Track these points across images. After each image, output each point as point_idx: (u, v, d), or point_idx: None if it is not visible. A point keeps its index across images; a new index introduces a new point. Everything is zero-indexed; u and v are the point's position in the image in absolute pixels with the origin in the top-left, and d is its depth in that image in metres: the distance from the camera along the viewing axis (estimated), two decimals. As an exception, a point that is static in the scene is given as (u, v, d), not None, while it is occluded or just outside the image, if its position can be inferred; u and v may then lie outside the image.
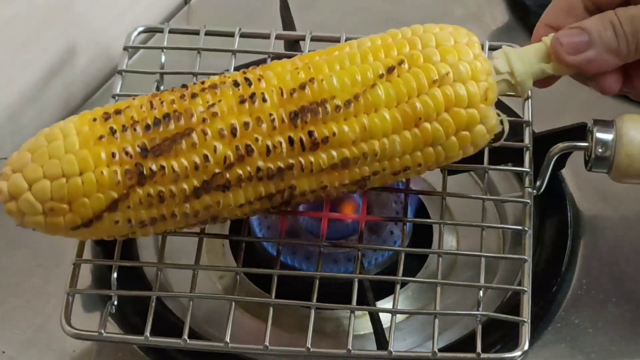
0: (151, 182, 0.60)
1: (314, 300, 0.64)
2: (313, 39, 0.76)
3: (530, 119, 0.71)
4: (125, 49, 0.76)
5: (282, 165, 0.60)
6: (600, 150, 0.66)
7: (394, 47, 0.62)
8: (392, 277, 0.65)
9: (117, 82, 0.74)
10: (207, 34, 0.76)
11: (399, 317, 0.71)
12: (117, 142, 0.60)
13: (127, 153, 0.59)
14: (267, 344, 0.63)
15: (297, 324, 0.71)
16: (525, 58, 0.64)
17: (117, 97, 0.73)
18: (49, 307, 0.71)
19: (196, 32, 0.76)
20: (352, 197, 0.73)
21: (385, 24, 0.75)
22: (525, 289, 0.64)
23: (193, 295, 0.65)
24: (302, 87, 0.61)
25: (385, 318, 0.67)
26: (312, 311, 0.64)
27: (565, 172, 0.75)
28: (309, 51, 0.72)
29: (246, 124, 0.60)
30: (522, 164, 0.69)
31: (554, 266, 0.71)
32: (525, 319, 0.63)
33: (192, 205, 0.61)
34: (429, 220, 0.71)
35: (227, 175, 0.60)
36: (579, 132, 0.68)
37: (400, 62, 0.61)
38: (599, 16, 0.63)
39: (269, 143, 0.60)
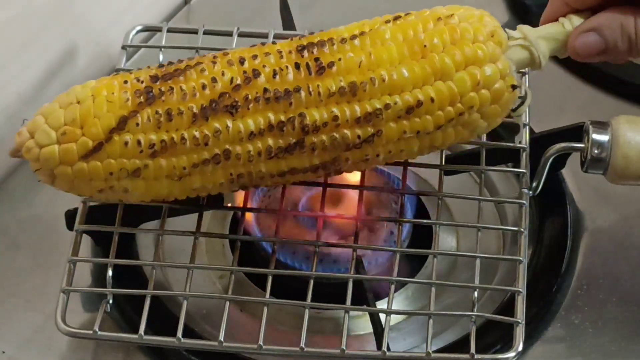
0: (159, 100, 0.61)
1: (309, 300, 0.64)
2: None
3: (527, 120, 0.71)
4: (124, 47, 0.76)
5: (289, 87, 0.61)
6: (596, 151, 0.66)
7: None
8: (386, 278, 0.65)
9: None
10: (206, 33, 0.76)
11: (399, 318, 0.71)
12: (131, 75, 0.62)
13: (138, 80, 0.62)
14: (261, 343, 0.63)
15: (296, 324, 0.71)
16: (540, 30, 0.65)
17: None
18: (49, 307, 0.70)
19: (194, 32, 0.77)
20: (349, 197, 0.73)
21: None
22: (520, 290, 0.64)
23: (187, 295, 0.65)
24: (311, 33, 0.65)
25: (385, 318, 0.67)
26: (307, 311, 0.64)
27: (565, 172, 0.75)
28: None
29: (254, 56, 0.62)
30: (520, 165, 0.69)
31: (554, 266, 0.71)
32: (519, 320, 0.63)
33: (200, 130, 0.61)
34: (424, 221, 0.71)
35: (234, 96, 0.61)
36: (577, 132, 0.68)
37: (407, 14, 0.64)
38: (618, 22, 0.63)
39: (276, 68, 0.61)
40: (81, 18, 0.83)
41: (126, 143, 0.60)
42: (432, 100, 0.62)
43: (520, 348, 0.62)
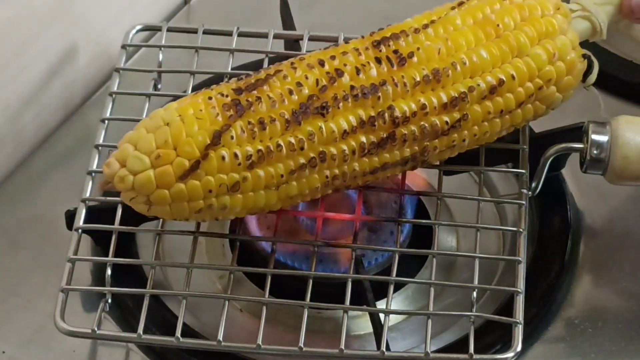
0: (249, 111, 0.61)
1: (308, 299, 0.64)
2: (311, 39, 0.76)
3: None
4: (123, 47, 0.76)
5: (374, 82, 0.62)
6: (595, 152, 0.66)
7: None
8: (385, 277, 0.65)
9: (114, 80, 0.74)
10: (205, 32, 0.76)
11: (399, 317, 0.71)
12: (212, 91, 0.62)
13: (222, 94, 0.61)
14: (260, 342, 0.63)
15: (296, 323, 0.71)
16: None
17: (114, 95, 0.73)
18: (49, 307, 0.70)
19: (194, 31, 0.77)
20: (349, 197, 0.73)
21: (384, 24, 0.75)
22: (519, 290, 0.64)
23: (186, 294, 0.65)
24: (380, 29, 0.65)
25: (384, 318, 0.67)
26: (305, 310, 0.64)
27: (565, 172, 0.75)
28: (307, 51, 0.73)
29: (332, 57, 0.63)
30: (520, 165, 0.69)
31: (554, 266, 0.71)
32: (518, 320, 0.63)
33: (295, 135, 0.61)
34: (423, 221, 0.71)
35: (323, 97, 0.61)
36: (577, 133, 0.68)
37: None
38: None
39: (357, 65, 0.62)
40: (81, 18, 0.83)
41: (223, 157, 0.60)
42: (513, 77, 0.64)
43: (519, 348, 0.62)
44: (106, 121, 0.72)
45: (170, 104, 0.62)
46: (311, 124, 0.61)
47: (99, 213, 0.69)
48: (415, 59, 0.63)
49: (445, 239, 0.75)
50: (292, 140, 0.61)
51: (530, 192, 0.69)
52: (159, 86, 0.76)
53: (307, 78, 0.62)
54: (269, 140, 0.61)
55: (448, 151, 0.65)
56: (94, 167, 0.70)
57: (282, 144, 0.61)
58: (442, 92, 0.63)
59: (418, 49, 0.63)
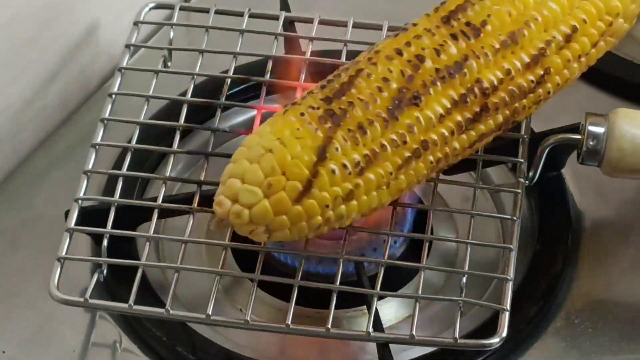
0: (346, 118, 0.60)
1: (298, 277, 0.64)
2: (321, 23, 0.77)
3: None
4: (135, 24, 0.77)
5: (457, 59, 0.62)
6: (591, 143, 0.66)
7: None
8: (376, 260, 0.65)
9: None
10: (217, 12, 0.77)
11: (400, 317, 0.71)
12: (301, 107, 0.61)
13: (312, 107, 0.61)
14: (248, 318, 0.63)
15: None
16: None
17: (123, 71, 0.74)
18: (49, 307, 0.70)
19: (206, 11, 0.78)
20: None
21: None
22: (509, 277, 0.64)
23: (179, 267, 0.65)
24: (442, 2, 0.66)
25: (384, 316, 0.67)
26: (295, 288, 0.64)
27: (565, 172, 0.75)
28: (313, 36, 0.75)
29: (407, 44, 0.63)
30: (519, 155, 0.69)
31: (554, 266, 0.71)
32: (505, 307, 0.63)
33: (395, 130, 0.61)
34: (419, 206, 0.72)
35: (412, 87, 0.61)
36: (576, 132, 0.68)
37: None
38: None
39: (436, 47, 0.62)
40: (81, 18, 0.83)
41: (333, 171, 0.60)
42: (585, 21, 0.65)
43: (504, 334, 0.62)
44: (105, 121, 0.72)
45: (262, 129, 0.61)
46: (408, 116, 0.61)
47: (94, 213, 0.69)
48: (489, 27, 0.63)
49: (445, 244, 0.75)
50: (394, 137, 0.61)
51: (527, 182, 0.69)
52: (169, 64, 0.77)
53: (390, 71, 0.62)
54: (372, 143, 0.61)
55: (534, 106, 0.66)
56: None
57: (385, 143, 0.61)
58: (522, 53, 0.64)
59: (489, 15, 0.64)
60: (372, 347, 0.67)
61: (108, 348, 0.69)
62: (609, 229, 0.74)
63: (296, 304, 0.63)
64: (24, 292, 0.72)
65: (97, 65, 0.86)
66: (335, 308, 0.64)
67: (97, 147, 0.71)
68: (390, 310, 0.71)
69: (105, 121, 0.72)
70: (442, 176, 0.68)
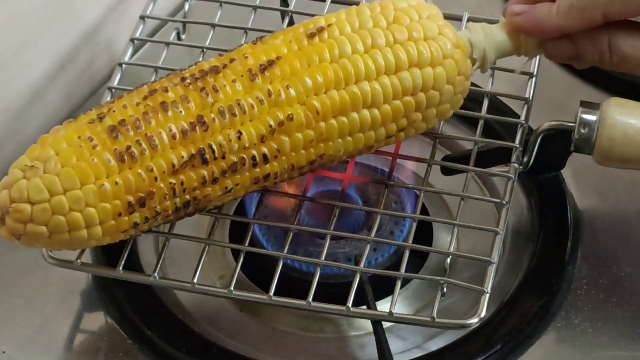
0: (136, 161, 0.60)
1: (285, 251, 0.65)
2: (334, 1, 0.78)
3: (530, 97, 0.71)
4: (142, 17, 0.78)
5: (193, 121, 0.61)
6: (582, 131, 0.66)
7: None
8: (364, 237, 0.66)
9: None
10: (226, 2, 0.79)
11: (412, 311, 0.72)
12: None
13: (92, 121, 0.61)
14: (232, 288, 0.64)
15: (295, 323, 0.71)
16: (489, 37, 0.65)
17: (135, 41, 0.77)
18: (49, 307, 0.71)
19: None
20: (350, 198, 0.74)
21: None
22: (492, 260, 0.64)
23: (169, 235, 0.66)
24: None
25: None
26: (280, 262, 0.65)
27: (565, 172, 0.75)
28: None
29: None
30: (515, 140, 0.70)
31: (554, 266, 0.71)
32: (485, 290, 0.63)
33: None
34: (410, 186, 0.72)
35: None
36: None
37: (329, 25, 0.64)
38: (592, 36, 0.63)
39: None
40: (81, 18, 0.83)
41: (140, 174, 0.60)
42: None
43: (482, 314, 0.62)
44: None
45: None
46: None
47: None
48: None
49: (444, 238, 0.75)
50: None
51: (521, 167, 0.69)
52: (183, 37, 0.79)
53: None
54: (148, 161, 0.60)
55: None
56: None
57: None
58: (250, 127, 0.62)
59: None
60: (372, 347, 0.67)
61: (108, 348, 0.69)
62: (609, 229, 0.74)
63: (278, 294, 0.64)
64: (24, 292, 0.72)
65: (97, 65, 0.86)
66: (309, 262, 0.66)
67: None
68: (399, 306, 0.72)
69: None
70: (441, 183, 0.68)
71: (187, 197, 0.62)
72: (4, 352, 0.69)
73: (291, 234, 0.66)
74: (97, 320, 0.70)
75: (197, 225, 0.75)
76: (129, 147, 0.59)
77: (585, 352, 0.68)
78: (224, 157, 0.61)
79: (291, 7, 0.78)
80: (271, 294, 0.63)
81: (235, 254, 0.73)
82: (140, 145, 0.60)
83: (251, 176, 0.63)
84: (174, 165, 0.60)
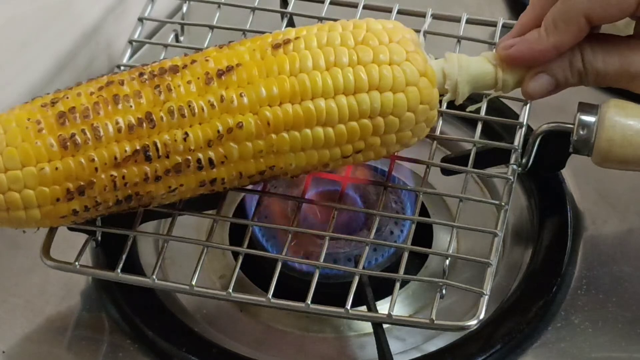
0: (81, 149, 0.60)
1: (283, 253, 0.65)
2: (332, 3, 0.78)
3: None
4: (140, 20, 0.78)
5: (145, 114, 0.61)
6: (581, 132, 0.66)
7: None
8: (362, 239, 0.66)
9: (136, 28, 0.76)
10: (225, 4, 0.79)
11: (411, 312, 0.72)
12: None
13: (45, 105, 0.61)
14: (231, 290, 0.64)
15: (296, 324, 0.71)
16: (464, 70, 0.64)
17: (133, 43, 0.76)
18: (49, 307, 0.71)
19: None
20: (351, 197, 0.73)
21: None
22: (491, 262, 0.64)
23: (168, 237, 0.66)
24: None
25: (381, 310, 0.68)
26: (279, 263, 0.64)
27: (565, 172, 0.75)
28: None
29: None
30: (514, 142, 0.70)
31: (554, 266, 0.71)
32: (484, 292, 0.63)
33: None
34: (408, 187, 0.72)
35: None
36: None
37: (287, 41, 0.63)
38: (567, 59, 0.63)
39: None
40: (81, 18, 0.83)
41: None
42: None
43: (481, 316, 0.62)
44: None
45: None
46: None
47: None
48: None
49: (444, 239, 0.75)
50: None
51: (520, 168, 0.69)
52: (181, 39, 0.79)
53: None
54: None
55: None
56: None
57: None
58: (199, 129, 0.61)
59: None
60: (372, 347, 0.67)
61: (108, 348, 0.69)
62: (609, 229, 0.74)
63: (277, 297, 0.64)
64: (24, 292, 0.72)
65: (97, 65, 0.86)
66: (302, 262, 0.66)
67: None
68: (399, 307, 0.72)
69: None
70: (440, 183, 0.68)
71: (129, 191, 0.61)
72: (4, 352, 0.69)
73: (290, 236, 0.66)
74: (97, 320, 0.70)
75: (197, 225, 0.75)
76: (73, 135, 0.59)
77: (585, 352, 0.68)
78: (167, 157, 0.61)
79: (290, 9, 0.78)
80: (270, 296, 0.63)
81: (235, 254, 0.73)
82: (84, 134, 0.60)
83: (196, 179, 0.62)
84: (116, 158, 0.60)
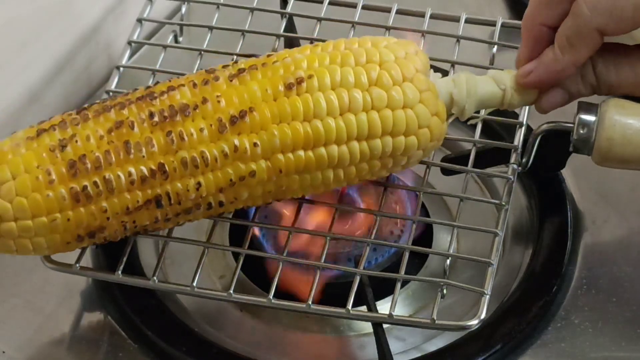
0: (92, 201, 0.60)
1: (284, 254, 0.65)
2: (331, 3, 0.78)
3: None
4: (139, 20, 0.78)
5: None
6: (581, 131, 0.66)
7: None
8: (362, 239, 0.67)
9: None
10: (224, 5, 0.79)
11: (411, 311, 0.72)
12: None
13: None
14: (232, 291, 0.64)
15: (296, 324, 0.71)
16: (471, 86, 0.65)
17: (132, 44, 0.76)
18: (49, 307, 0.71)
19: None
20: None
21: (385, 20, 0.75)
22: (491, 262, 0.64)
23: (168, 238, 0.66)
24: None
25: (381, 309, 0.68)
26: (280, 264, 0.64)
27: (565, 172, 0.75)
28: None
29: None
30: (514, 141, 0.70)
31: (554, 266, 0.71)
32: (485, 291, 0.63)
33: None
34: (409, 187, 0.72)
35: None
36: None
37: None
38: (578, 72, 0.64)
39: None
40: (81, 18, 0.83)
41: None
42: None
43: (483, 316, 0.62)
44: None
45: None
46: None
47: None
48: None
49: (444, 239, 0.75)
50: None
51: (520, 168, 0.69)
52: (180, 39, 0.79)
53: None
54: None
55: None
56: None
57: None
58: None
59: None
60: (372, 347, 0.67)
61: (108, 348, 0.69)
62: (609, 229, 0.74)
63: (278, 295, 0.64)
64: (24, 292, 0.72)
65: (97, 66, 0.86)
66: (302, 263, 0.66)
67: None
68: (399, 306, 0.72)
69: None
70: (441, 184, 0.68)
71: (137, 229, 0.63)
72: (4, 352, 0.69)
73: (290, 237, 0.66)
74: (97, 320, 0.70)
75: (197, 226, 0.75)
76: (85, 187, 0.60)
77: (585, 352, 0.68)
78: (179, 203, 0.61)
79: (289, 9, 0.78)
80: (271, 296, 0.63)
81: (236, 254, 0.73)
82: (97, 187, 0.60)
83: (204, 214, 0.64)
84: (128, 208, 0.60)
